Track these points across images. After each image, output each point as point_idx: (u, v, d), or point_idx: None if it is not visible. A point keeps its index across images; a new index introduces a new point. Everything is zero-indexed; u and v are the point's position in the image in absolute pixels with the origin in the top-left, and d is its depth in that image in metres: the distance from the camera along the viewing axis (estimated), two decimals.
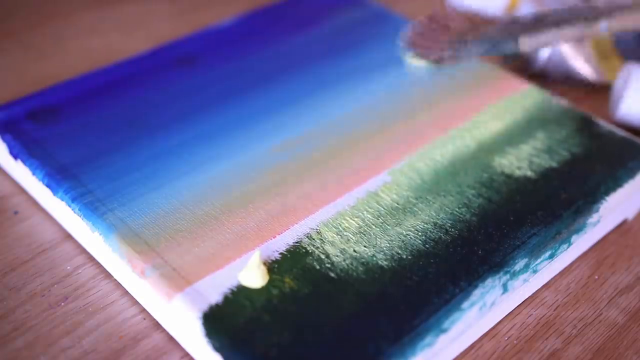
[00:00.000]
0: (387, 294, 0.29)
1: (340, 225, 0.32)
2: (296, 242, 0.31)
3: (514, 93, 0.40)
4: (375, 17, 0.46)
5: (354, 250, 0.31)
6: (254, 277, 0.29)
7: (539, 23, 0.29)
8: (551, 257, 0.32)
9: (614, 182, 0.35)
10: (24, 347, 0.30)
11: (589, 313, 0.33)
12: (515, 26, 0.29)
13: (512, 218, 0.33)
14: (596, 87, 0.45)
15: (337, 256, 0.31)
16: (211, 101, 0.39)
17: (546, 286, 0.34)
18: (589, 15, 0.29)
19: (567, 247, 0.33)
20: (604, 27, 0.29)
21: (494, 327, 0.32)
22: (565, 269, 0.34)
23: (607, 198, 0.34)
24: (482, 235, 0.32)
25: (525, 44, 0.29)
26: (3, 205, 0.36)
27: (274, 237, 0.31)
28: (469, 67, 0.42)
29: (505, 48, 0.29)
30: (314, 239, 0.31)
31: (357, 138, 0.37)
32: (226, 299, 0.29)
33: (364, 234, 0.32)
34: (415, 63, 0.29)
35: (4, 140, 0.36)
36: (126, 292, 0.32)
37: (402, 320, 0.28)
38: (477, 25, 0.29)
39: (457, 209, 0.33)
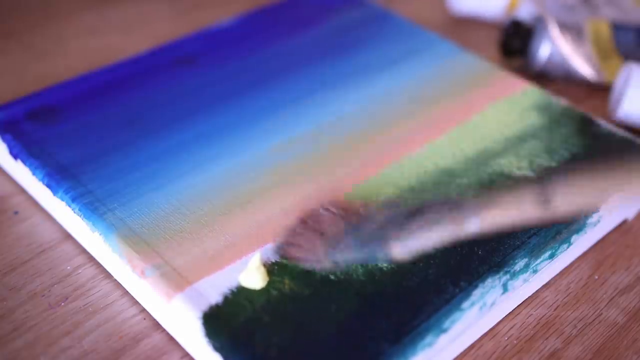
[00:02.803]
0: (387, 294, 0.29)
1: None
2: None
3: (514, 93, 0.40)
4: (375, 17, 0.46)
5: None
6: (254, 278, 0.29)
7: (410, 224, 0.29)
8: (551, 257, 0.32)
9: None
10: (24, 347, 0.30)
11: (589, 313, 0.33)
12: (388, 229, 0.29)
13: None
14: (596, 87, 0.45)
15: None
16: (211, 101, 0.39)
17: (546, 286, 0.34)
18: (457, 214, 0.30)
19: (567, 247, 0.33)
20: (474, 226, 0.30)
21: (494, 327, 0.32)
22: (565, 269, 0.34)
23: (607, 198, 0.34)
24: (482, 235, 0.32)
25: (397, 252, 0.29)
26: (3, 205, 0.36)
27: (274, 238, 0.31)
28: (469, 67, 0.42)
29: (378, 258, 0.29)
30: None
31: (357, 138, 0.37)
32: (226, 299, 0.29)
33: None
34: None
35: (4, 140, 0.36)
36: (126, 292, 0.32)
37: (402, 320, 0.28)
38: (353, 225, 0.30)
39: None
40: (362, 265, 0.30)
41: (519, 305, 0.33)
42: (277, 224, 0.32)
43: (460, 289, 0.30)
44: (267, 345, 0.27)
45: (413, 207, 0.30)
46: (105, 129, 0.37)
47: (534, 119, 0.38)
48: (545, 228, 0.32)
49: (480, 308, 0.30)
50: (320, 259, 0.29)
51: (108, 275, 0.33)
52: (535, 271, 0.32)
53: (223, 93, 0.39)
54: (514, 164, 0.35)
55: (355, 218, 0.29)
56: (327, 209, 0.30)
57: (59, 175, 0.34)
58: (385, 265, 0.30)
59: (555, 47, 0.44)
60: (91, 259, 0.33)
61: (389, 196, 0.32)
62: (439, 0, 0.53)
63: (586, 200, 0.30)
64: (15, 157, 0.35)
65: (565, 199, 0.29)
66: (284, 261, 0.30)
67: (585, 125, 0.38)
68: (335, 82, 0.40)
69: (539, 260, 0.32)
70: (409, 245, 0.29)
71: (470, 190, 0.34)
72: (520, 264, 0.31)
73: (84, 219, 0.32)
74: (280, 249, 0.30)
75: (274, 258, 0.30)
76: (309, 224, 0.29)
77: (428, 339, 0.28)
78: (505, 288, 0.31)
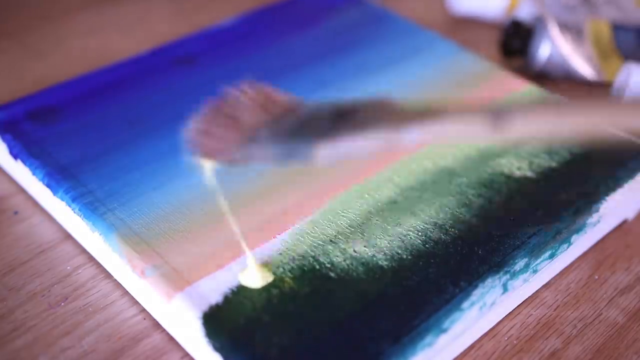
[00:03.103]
0: (387, 294, 0.29)
1: (340, 224, 0.32)
2: (296, 243, 0.31)
3: (514, 93, 0.40)
4: (375, 17, 0.46)
5: (354, 250, 0.31)
6: (254, 277, 0.29)
7: (339, 124, 0.24)
8: (551, 257, 0.32)
9: (614, 182, 0.34)
10: (23, 347, 0.30)
11: (589, 313, 0.33)
12: (313, 125, 0.24)
13: (512, 218, 0.33)
14: (596, 87, 0.45)
15: (337, 256, 0.31)
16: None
17: (546, 286, 0.34)
18: (397, 120, 0.24)
19: (567, 247, 0.33)
20: (412, 137, 0.24)
21: (494, 327, 0.32)
22: (565, 269, 0.34)
23: (607, 198, 0.34)
24: (482, 235, 0.32)
25: (320, 155, 0.24)
26: (3, 205, 0.36)
27: (274, 237, 0.31)
28: (469, 66, 0.42)
29: (298, 156, 0.24)
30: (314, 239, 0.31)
31: None
32: (226, 299, 0.29)
33: (365, 233, 0.32)
34: (202, 163, 0.26)
35: (4, 140, 0.36)
36: (126, 292, 0.32)
37: (402, 320, 0.28)
38: (272, 116, 0.25)
39: (457, 209, 0.33)
40: (362, 265, 0.30)
41: (519, 305, 0.33)
42: (278, 223, 0.32)
43: (460, 289, 0.30)
44: (267, 345, 0.27)
45: (345, 107, 0.25)
46: (105, 129, 0.37)
47: None
48: (546, 228, 0.32)
49: (480, 308, 0.30)
50: (233, 150, 0.25)
51: (108, 275, 0.33)
52: (535, 271, 0.32)
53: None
54: (514, 164, 0.35)
55: (277, 109, 0.25)
56: (246, 94, 0.26)
57: (59, 175, 0.34)
58: (385, 264, 0.30)
59: (555, 47, 0.44)
60: (91, 259, 0.33)
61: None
62: (439, 0, 0.53)
63: (547, 130, 0.25)
64: (15, 157, 0.35)
65: (522, 125, 0.25)
66: (197, 156, 0.26)
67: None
68: (335, 81, 0.40)
69: (539, 260, 0.32)
70: (334, 150, 0.24)
71: (470, 190, 0.34)
72: (520, 264, 0.31)
73: (84, 219, 0.32)
74: (191, 139, 0.26)
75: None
76: (224, 110, 0.25)
77: (428, 339, 0.28)
78: (505, 288, 0.31)
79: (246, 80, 0.27)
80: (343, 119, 0.25)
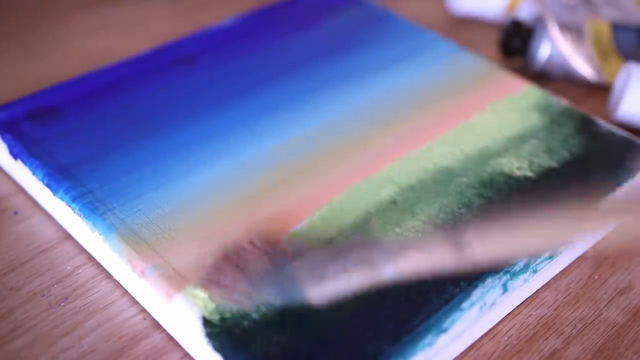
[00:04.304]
0: (387, 294, 0.29)
1: (340, 224, 0.32)
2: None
3: (514, 93, 0.40)
4: (375, 17, 0.46)
5: None
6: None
7: (329, 265, 0.28)
8: (551, 257, 0.32)
9: (614, 182, 0.34)
10: (23, 348, 0.30)
11: (589, 313, 0.33)
12: (306, 271, 0.28)
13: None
14: (596, 87, 0.45)
15: None
16: (211, 101, 0.39)
17: (546, 286, 0.34)
18: (376, 259, 0.29)
19: (567, 247, 0.33)
20: (390, 272, 0.29)
21: (494, 327, 0.32)
22: (565, 269, 0.34)
23: (607, 198, 0.34)
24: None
25: (312, 296, 0.28)
26: (3, 205, 0.36)
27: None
28: (469, 66, 0.42)
29: (296, 301, 0.28)
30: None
31: (358, 138, 0.37)
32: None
33: (365, 233, 0.32)
34: (215, 302, 0.29)
35: (4, 140, 0.36)
36: (126, 292, 0.32)
37: (402, 320, 0.28)
38: (275, 263, 0.29)
39: (457, 209, 0.33)
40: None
41: (519, 305, 0.33)
42: (278, 223, 0.32)
43: (460, 289, 0.30)
44: (268, 345, 0.27)
45: (333, 250, 0.29)
46: (105, 129, 0.37)
47: (534, 119, 0.38)
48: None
49: (480, 308, 0.30)
50: (240, 297, 0.29)
51: (108, 275, 0.33)
52: (535, 271, 0.32)
53: (223, 93, 0.39)
54: (514, 164, 0.35)
55: (279, 255, 0.29)
56: (252, 243, 0.29)
57: (59, 175, 0.34)
58: None
59: (555, 47, 0.44)
60: (91, 259, 0.33)
61: (323, 237, 0.32)
62: (439, 0, 0.53)
63: (505, 250, 0.29)
64: (15, 157, 0.35)
65: (481, 245, 0.28)
66: (208, 296, 0.29)
67: (585, 125, 0.38)
68: (335, 82, 0.40)
69: (539, 260, 0.32)
70: (325, 290, 0.28)
71: (470, 190, 0.34)
72: (520, 264, 0.31)
73: (84, 219, 0.32)
74: (203, 285, 0.29)
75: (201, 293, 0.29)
76: (231, 259, 0.29)
77: (428, 339, 0.28)
78: (505, 288, 0.31)
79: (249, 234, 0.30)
80: (332, 263, 0.28)
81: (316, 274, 0.28)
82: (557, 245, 0.31)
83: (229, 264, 0.29)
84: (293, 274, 0.28)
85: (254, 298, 0.28)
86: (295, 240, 0.31)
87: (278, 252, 0.29)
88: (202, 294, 0.29)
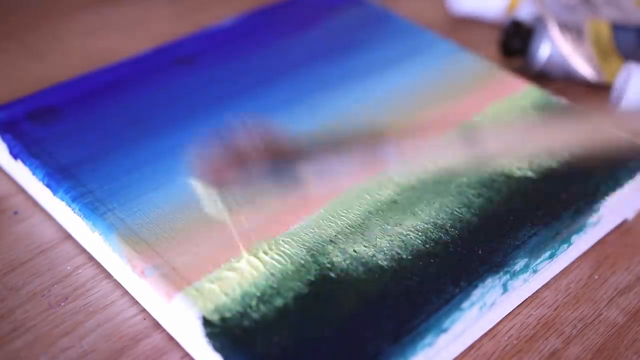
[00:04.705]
0: (387, 294, 0.29)
1: (340, 224, 0.32)
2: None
3: (514, 93, 0.40)
4: (375, 17, 0.46)
5: (354, 250, 0.31)
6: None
7: (324, 147, 0.28)
8: (551, 257, 0.32)
9: (614, 182, 0.35)
10: (23, 348, 0.30)
11: (589, 313, 0.33)
12: (302, 151, 0.28)
13: (512, 218, 0.33)
14: (596, 87, 0.45)
15: (337, 256, 0.31)
16: (211, 101, 0.39)
17: (546, 286, 0.34)
18: (375, 139, 0.28)
19: (567, 247, 0.33)
20: (388, 155, 0.28)
21: (494, 327, 0.32)
22: (565, 269, 0.34)
23: (607, 198, 0.34)
24: (482, 235, 0.32)
25: (304, 173, 0.28)
26: (3, 205, 0.36)
27: (274, 236, 0.31)
28: (469, 66, 0.42)
29: (287, 177, 0.28)
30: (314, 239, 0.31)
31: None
32: (226, 298, 0.29)
33: (365, 233, 0.32)
34: (200, 190, 0.29)
35: (4, 140, 0.36)
36: (126, 292, 0.32)
37: (402, 320, 0.28)
38: (268, 145, 0.28)
39: (457, 209, 0.33)
40: (362, 264, 0.30)
41: (519, 305, 0.33)
42: (278, 223, 0.32)
43: (460, 289, 0.30)
44: (268, 345, 0.27)
45: (331, 138, 0.28)
46: (105, 129, 0.37)
47: (534, 119, 0.38)
48: (546, 228, 0.32)
49: (480, 308, 0.30)
50: (230, 177, 0.28)
51: (108, 275, 0.33)
52: (535, 271, 0.32)
53: (223, 93, 0.39)
54: (514, 164, 0.35)
55: (279, 155, 0.28)
56: (246, 126, 0.28)
57: (59, 175, 0.34)
58: (385, 264, 0.30)
59: (555, 47, 0.44)
60: (91, 259, 0.33)
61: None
62: (439, 0, 0.53)
63: (521, 149, 0.28)
64: (15, 157, 0.35)
65: (495, 141, 0.27)
66: (197, 180, 0.28)
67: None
68: (335, 82, 0.40)
69: (539, 260, 0.32)
70: (317, 168, 0.27)
71: (470, 190, 0.34)
72: (520, 264, 0.31)
73: (84, 219, 0.32)
74: (194, 167, 0.29)
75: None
76: (231, 152, 0.28)
77: (428, 339, 0.28)
78: (505, 288, 0.31)
79: (250, 117, 0.29)
80: (328, 142, 0.27)
81: (311, 157, 0.27)
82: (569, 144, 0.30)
83: (229, 155, 0.28)
84: (290, 162, 0.27)
85: (248, 180, 0.28)
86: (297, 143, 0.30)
87: (277, 153, 0.28)
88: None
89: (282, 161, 0.27)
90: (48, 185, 0.33)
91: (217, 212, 0.28)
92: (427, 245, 0.31)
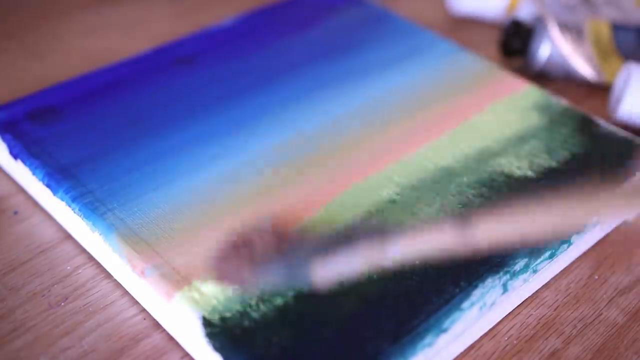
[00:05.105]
0: (387, 294, 0.29)
1: (340, 224, 0.32)
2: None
3: (514, 93, 0.40)
4: (375, 17, 0.46)
5: None
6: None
7: (333, 249, 0.28)
8: (551, 257, 0.32)
9: (614, 182, 0.34)
10: (23, 348, 0.30)
11: (589, 313, 0.33)
12: (312, 256, 0.28)
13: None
14: (596, 87, 0.45)
15: None
16: (211, 101, 0.39)
17: (546, 286, 0.34)
18: (381, 241, 0.28)
19: (567, 247, 0.33)
20: (394, 252, 0.28)
21: (494, 327, 0.32)
22: (565, 269, 0.34)
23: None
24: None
25: (319, 279, 0.28)
26: (3, 205, 0.36)
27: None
28: (469, 66, 0.42)
29: (299, 278, 0.28)
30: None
31: (357, 137, 0.37)
32: (226, 298, 0.29)
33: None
34: (216, 288, 0.29)
35: (4, 140, 0.36)
36: (126, 292, 0.32)
37: (402, 320, 0.28)
38: (282, 247, 0.29)
39: (457, 209, 0.33)
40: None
41: (519, 305, 0.33)
42: (277, 223, 0.32)
43: (460, 289, 0.30)
44: (267, 345, 0.27)
45: (338, 235, 0.29)
46: (105, 129, 0.37)
47: (534, 119, 0.38)
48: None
49: (480, 308, 0.30)
50: (246, 283, 0.29)
51: (108, 275, 0.33)
52: (535, 271, 0.32)
53: (223, 93, 0.39)
54: (514, 164, 0.35)
55: (286, 244, 0.29)
56: (259, 233, 0.29)
57: (59, 175, 0.34)
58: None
59: (555, 47, 0.44)
60: (91, 259, 0.33)
61: (327, 227, 0.32)
62: (439, 0, 0.53)
63: (510, 234, 0.28)
64: (15, 157, 0.35)
65: (487, 228, 0.27)
66: (214, 282, 0.29)
67: (585, 125, 0.38)
68: (335, 81, 0.40)
69: (539, 260, 0.32)
70: (330, 273, 0.28)
71: (470, 190, 0.34)
72: (520, 264, 0.31)
73: (84, 219, 0.32)
74: (211, 272, 0.29)
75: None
76: (240, 247, 0.29)
77: (428, 339, 0.28)
78: (505, 288, 0.31)
79: (262, 221, 0.30)
80: (336, 247, 0.28)
81: (321, 257, 0.28)
82: (569, 229, 0.31)
83: (238, 252, 0.29)
84: (300, 259, 0.28)
85: (261, 282, 0.28)
86: (301, 230, 0.31)
87: (284, 242, 0.29)
88: (205, 288, 0.29)
89: (294, 263, 0.28)
90: (48, 185, 0.33)
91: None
92: None
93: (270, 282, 0.29)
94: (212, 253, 0.29)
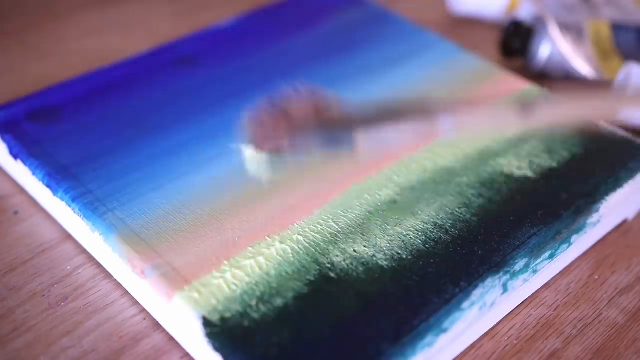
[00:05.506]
0: (387, 294, 0.29)
1: (340, 224, 0.32)
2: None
3: (514, 93, 0.40)
4: (375, 17, 0.46)
5: (354, 250, 0.31)
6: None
7: (379, 117, 0.28)
8: (551, 257, 0.32)
9: (614, 182, 0.35)
10: (24, 347, 0.30)
11: (589, 313, 0.33)
12: (356, 119, 0.28)
13: (512, 218, 0.33)
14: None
15: (337, 256, 0.31)
16: (211, 101, 0.39)
17: (546, 286, 0.34)
18: (431, 109, 0.28)
19: (567, 247, 0.33)
20: (446, 126, 0.28)
21: (494, 327, 0.32)
22: (565, 269, 0.34)
23: (607, 198, 0.34)
24: (482, 235, 0.32)
25: (360, 141, 0.28)
26: (3, 205, 0.36)
27: (274, 236, 0.31)
28: (469, 66, 0.42)
29: (342, 145, 0.28)
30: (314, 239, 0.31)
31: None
32: (226, 298, 0.29)
33: (365, 233, 0.32)
34: (252, 156, 0.29)
35: (4, 140, 0.36)
36: (126, 292, 0.32)
37: (402, 320, 0.28)
38: (321, 113, 0.28)
39: (457, 209, 0.33)
40: (362, 265, 0.30)
41: (519, 305, 0.33)
42: (278, 223, 0.32)
43: (460, 289, 0.30)
44: (267, 345, 0.27)
45: (386, 108, 0.28)
46: (105, 129, 0.37)
47: None
48: (546, 228, 0.32)
49: (480, 308, 0.30)
50: (282, 139, 0.28)
51: (108, 275, 0.33)
52: (535, 271, 0.32)
53: (223, 93, 0.39)
54: (514, 164, 0.35)
55: (327, 111, 0.28)
56: (299, 93, 0.28)
57: (59, 175, 0.34)
58: (385, 264, 0.30)
59: (555, 47, 0.44)
60: (91, 259, 0.33)
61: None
62: (439, 0, 0.53)
63: (571, 117, 0.28)
64: (15, 157, 0.35)
65: (547, 110, 0.27)
66: (248, 144, 0.29)
67: (585, 125, 0.38)
68: (335, 82, 0.40)
69: (539, 260, 0.32)
70: (374, 137, 0.27)
71: (470, 189, 0.34)
72: (520, 264, 0.31)
73: (84, 219, 0.32)
74: (245, 129, 0.29)
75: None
76: (278, 104, 0.28)
77: (428, 339, 0.28)
78: (505, 288, 0.31)
79: (303, 83, 0.29)
80: (383, 112, 0.27)
81: (366, 122, 0.27)
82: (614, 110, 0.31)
83: (275, 120, 0.28)
84: (343, 124, 0.28)
85: (298, 142, 0.28)
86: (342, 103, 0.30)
87: (324, 111, 0.29)
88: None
89: (337, 128, 0.27)
90: (48, 185, 0.33)
91: (262, 176, 0.28)
92: (427, 245, 0.31)
93: (310, 147, 0.28)
94: (247, 118, 0.28)
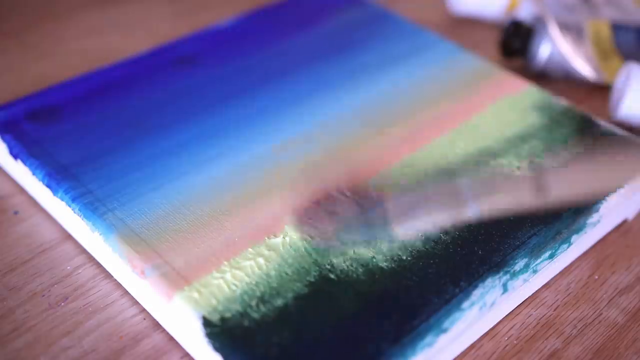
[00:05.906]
0: (387, 294, 0.29)
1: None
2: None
3: (514, 93, 0.40)
4: (375, 17, 0.46)
5: (354, 252, 0.31)
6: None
7: (412, 209, 0.31)
8: (551, 257, 0.32)
9: (614, 182, 0.34)
10: (24, 347, 0.30)
11: (589, 313, 0.33)
12: (392, 213, 0.31)
13: (512, 218, 0.33)
14: (596, 87, 0.45)
15: (337, 257, 0.31)
16: (211, 101, 0.39)
17: (546, 286, 0.34)
18: (458, 199, 0.31)
19: (567, 247, 0.33)
20: (474, 210, 0.31)
21: (494, 327, 0.32)
22: (565, 269, 0.34)
23: (607, 198, 0.34)
24: (482, 235, 0.32)
25: (400, 233, 0.31)
26: (3, 205, 0.36)
27: (274, 236, 0.31)
28: (469, 67, 0.42)
29: (382, 238, 0.31)
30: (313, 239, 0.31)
31: (357, 138, 0.37)
32: (226, 298, 0.29)
33: (365, 233, 0.32)
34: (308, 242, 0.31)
35: (4, 140, 0.36)
36: (126, 292, 0.32)
37: (402, 320, 0.28)
38: (363, 208, 0.31)
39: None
40: (362, 266, 0.30)
41: (519, 305, 0.33)
42: (278, 223, 0.32)
43: (460, 289, 0.30)
44: (267, 345, 0.27)
45: (417, 194, 0.30)
46: (105, 129, 0.37)
47: (534, 119, 0.38)
48: (546, 228, 0.32)
49: (480, 308, 0.30)
50: (329, 237, 0.30)
51: (108, 275, 0.33)
52: (535, 271, 0.32)
53: (223, 93, 0.39)
54: (514, 164, 0.35)
55: (367, 202, 0.30)
56: (341, 192, 0.31)
57: (59, 175, 0.34)
58: (385, 265, 0.30)
59: (555, 47, 0.44)
60: (91, 259, 0.33)
61: (399, 184, 0.33)
62: (439, 0, 0.53)
63: (584, 191, 0.30)
64: (15, 157, 0.35)
65: (561, 188, 0.29)
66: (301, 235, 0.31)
67: (585, 125, 0.38)
68: (335, 82, 0.40)
69: (539, 260, 0.32)
70: (410, 228, 0.29)
71: (470, 189, 0.34)
72: (520, 264, 0.31)
73: (84, 219, 0.32)
74: (298, 224, 0.31)
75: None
76: (322, 205, 0.30)
77: (428, 339, 0.28)
78: (505, 288, 0.31)
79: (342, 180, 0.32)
80: (416, 205, 0.31)
81: (401, 214, 0.30)
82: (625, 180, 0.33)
83: (321, 208, 0.30)
84: (381, 216, 0.30)
85: (343, 237, 0.30)
86: (380, 186, 0.33)
87: (365, 198, 0.31)
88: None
89: (376, 224, 0.31)
90: (48, 185, 0.33)
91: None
92: (427, 246, 0.31)
93: (351, 237, 0.30)
94: (299, 205, 0.31)
